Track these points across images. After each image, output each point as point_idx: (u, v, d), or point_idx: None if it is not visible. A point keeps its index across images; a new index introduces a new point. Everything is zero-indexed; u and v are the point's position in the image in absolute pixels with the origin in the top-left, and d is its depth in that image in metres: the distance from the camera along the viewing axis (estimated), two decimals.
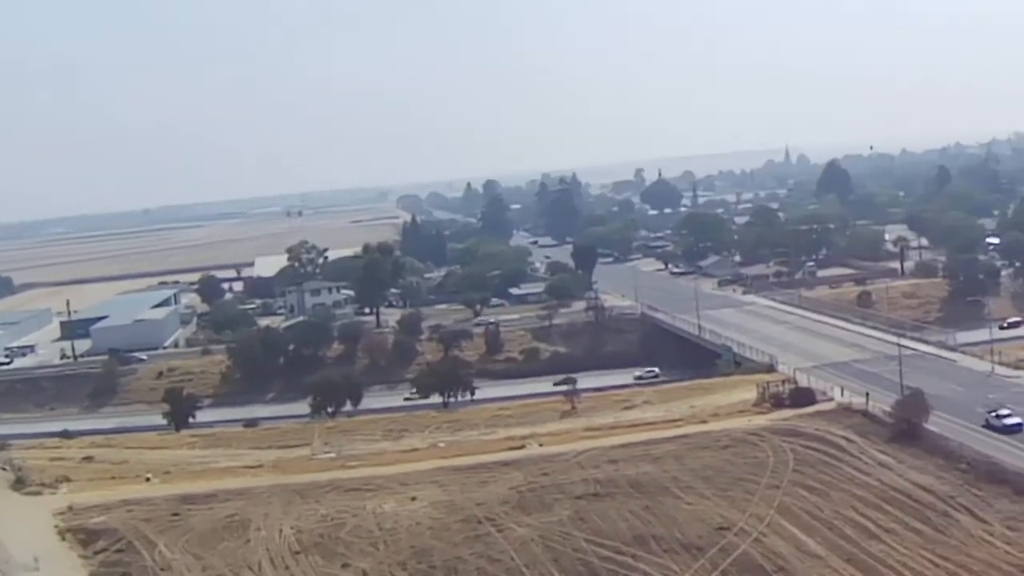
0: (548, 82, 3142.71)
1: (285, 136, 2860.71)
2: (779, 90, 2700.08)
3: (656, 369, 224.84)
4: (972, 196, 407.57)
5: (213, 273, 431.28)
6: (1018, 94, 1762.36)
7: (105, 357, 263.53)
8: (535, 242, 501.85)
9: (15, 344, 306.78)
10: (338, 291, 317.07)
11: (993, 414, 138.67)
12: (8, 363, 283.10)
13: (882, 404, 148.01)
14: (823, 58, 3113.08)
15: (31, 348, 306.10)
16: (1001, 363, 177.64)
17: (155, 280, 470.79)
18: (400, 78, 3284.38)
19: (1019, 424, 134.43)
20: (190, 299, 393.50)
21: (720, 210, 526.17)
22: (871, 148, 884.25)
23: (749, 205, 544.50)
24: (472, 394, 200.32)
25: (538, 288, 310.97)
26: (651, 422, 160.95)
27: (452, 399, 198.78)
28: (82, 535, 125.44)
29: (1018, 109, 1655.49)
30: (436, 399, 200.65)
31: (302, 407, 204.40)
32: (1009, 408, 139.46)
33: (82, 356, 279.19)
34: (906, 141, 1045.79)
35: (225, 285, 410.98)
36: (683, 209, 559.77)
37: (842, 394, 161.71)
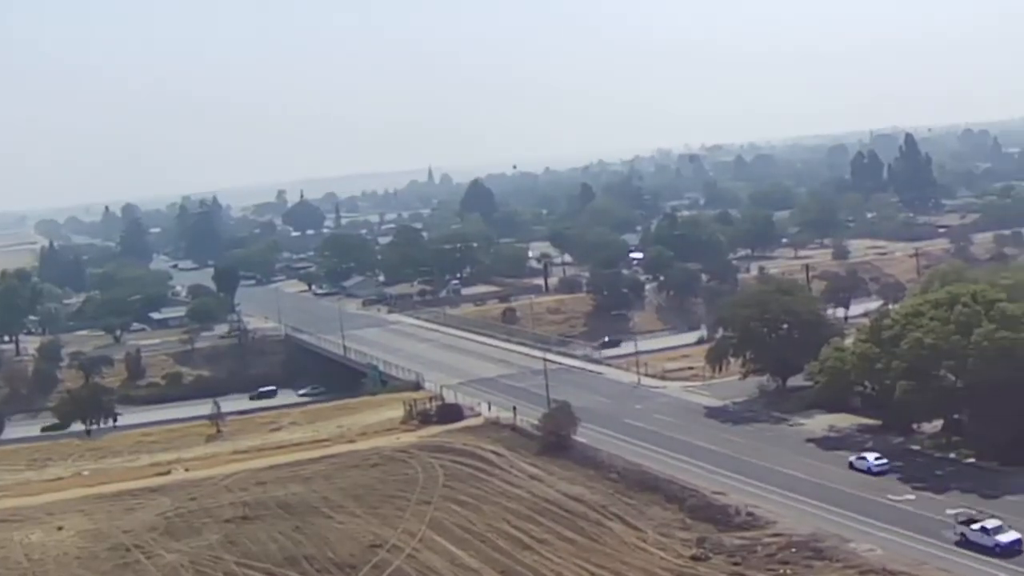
0: (182, 102, 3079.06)
1: None
2: (424, 111, 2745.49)
3: (273, 387, 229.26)
4: (615, 212, 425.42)
5: None
6: (662, 112, 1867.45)
7: None
8: (175, 265, 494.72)
9: None
10: None
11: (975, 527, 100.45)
12: None
13: (530, 418, 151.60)
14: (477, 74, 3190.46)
15: None
16: (647, 374, 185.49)
17: None
18: None
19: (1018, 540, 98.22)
20: None
21: (363, 230, 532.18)
22: (514, 167, 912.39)
23: (392, 225, 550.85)
24: (115, 421, 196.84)
25: (179, 312, 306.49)
26: (299, 443, 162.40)
27: (94, 426, 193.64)
28: None
29: (661, 127, 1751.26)
30: (78, 427, 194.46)
31: None
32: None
33: None
34: (550, 160, 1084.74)
35: None
36: (326, 230, 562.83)
37: (490, 409, 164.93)
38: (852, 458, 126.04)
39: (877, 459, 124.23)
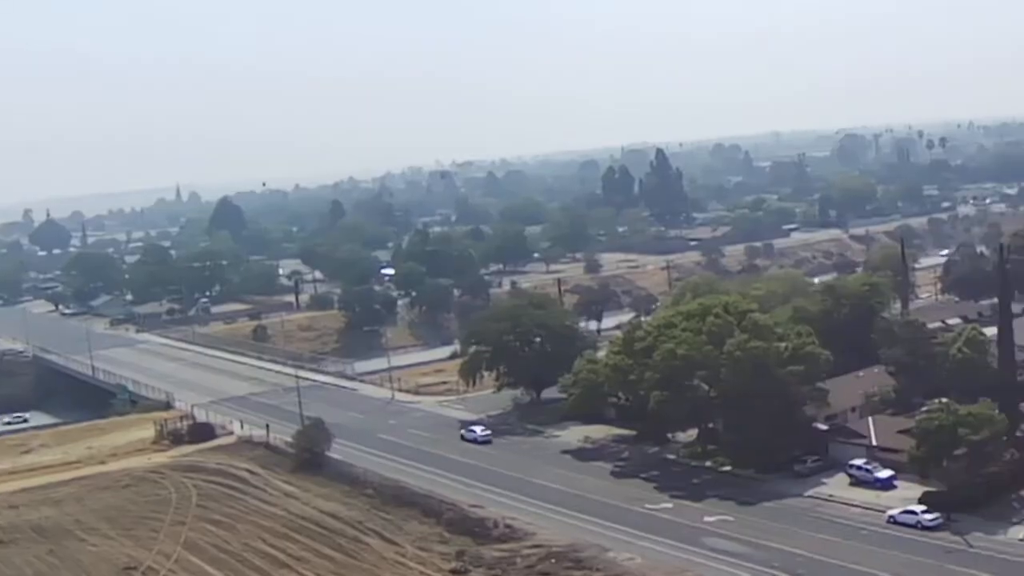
0: None
1: None
2: (171, 127, 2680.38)
3: (25, 415, 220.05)
4: (366, 229, 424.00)
5: None
6: (413, 131, 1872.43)
7: None
8: None
9: None
10: None
11: None
12: None
13: (283, 435, 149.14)
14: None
15: None
16: (401, 389, 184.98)
17: None
18: None
19: None
20: None
21: (110, 249, 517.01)
22: (264, 185, 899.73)
23: (140, 244, 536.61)
24: None
25: None
26: (49, 465, 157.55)
27: None
28: None
29: (413, 146, 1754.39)
30: None
31: None
32: None
33: None
34: (300, 178, 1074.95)
35: None
36: (72, 249, 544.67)
37: (242, 427, 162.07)
38: (463, 430, 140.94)
39: (483, 431, 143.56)
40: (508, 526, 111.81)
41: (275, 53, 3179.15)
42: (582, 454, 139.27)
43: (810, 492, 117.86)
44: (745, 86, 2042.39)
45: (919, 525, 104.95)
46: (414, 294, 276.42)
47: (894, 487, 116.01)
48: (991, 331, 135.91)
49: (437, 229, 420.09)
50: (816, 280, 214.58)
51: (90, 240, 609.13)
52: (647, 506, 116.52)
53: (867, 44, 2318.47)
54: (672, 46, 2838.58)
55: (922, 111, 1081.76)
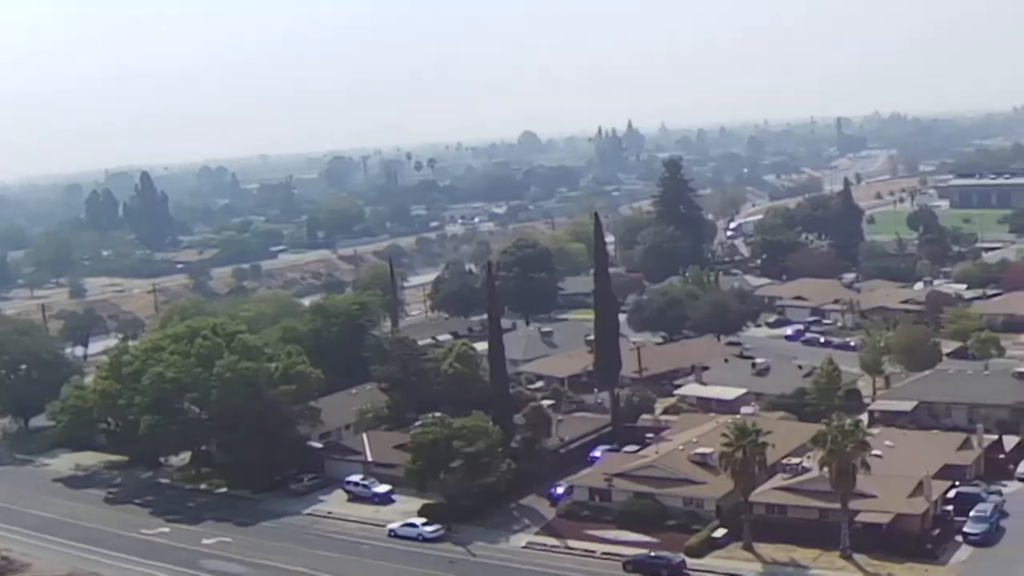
0: None
1: None
2: None
3: None
4: None
5: None
6: None
7: None
8: None
9: None
10: None
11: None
12: None
13: None
14: None
15: None
16: None
17: None
18: None
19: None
20: None
21: None
22: None
23: None
24: None
25: None
26: None
27: None
28: None
29: None
30: None
31: None
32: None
33: None
34: None
35: None
36: None
37: None
38: None
39: None
40: (4, 558, 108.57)
41: None
42: (74, 481, 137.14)
43: (309, 510, 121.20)
44: (234, 107, 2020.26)
45: (420, 537, 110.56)
46: None
47: (393, 501, 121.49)
48: (482, 346, 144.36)
49: None
50: (306, 301, 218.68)
51: None
52: (143, 531, 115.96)
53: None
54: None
55: (416, 134, 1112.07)
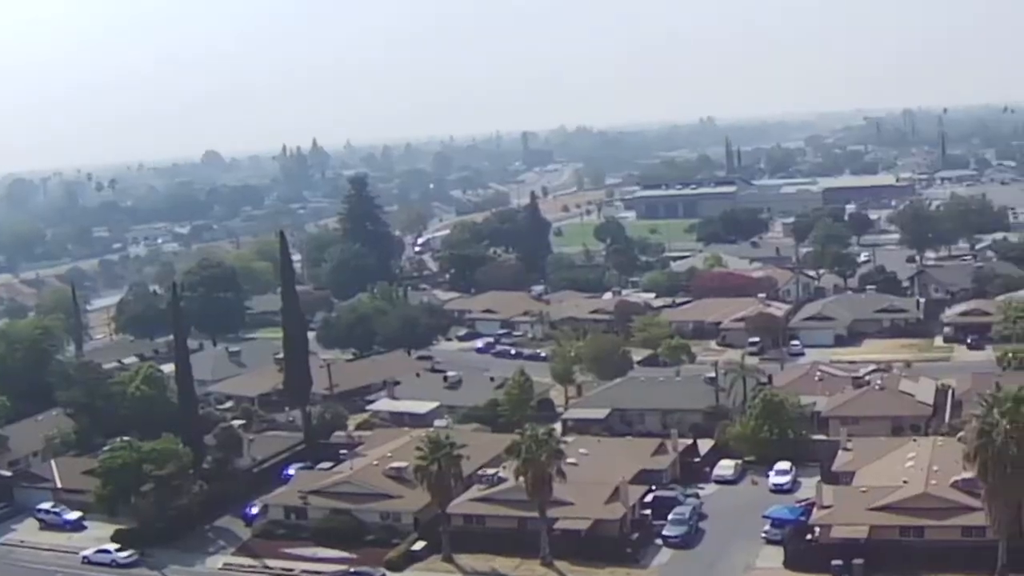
0: None
1: None
2: None
3: None
4: None
5: None
6: None
7: None
8: None
9: None
10: None
11: None
12: None
13: None
14: None
15: None
16: None
17: None
18: None
19: None
20: None
21: None
22: None
23: None
24: None
25: None
26: None
27: None
28: None
29: None
30: None
31: None
32: None
33: None
34: None
35: None
36: None
37: None
38: None
39: None
40: None
41: None
42: None
43: (0, 539, 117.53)
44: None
45: (114, 563, 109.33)
46: None
47: (84, 528, 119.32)
48: (169, 367, 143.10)
49: None
50: None
51: None
52: None
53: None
54: None
55: (99, 155, 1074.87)
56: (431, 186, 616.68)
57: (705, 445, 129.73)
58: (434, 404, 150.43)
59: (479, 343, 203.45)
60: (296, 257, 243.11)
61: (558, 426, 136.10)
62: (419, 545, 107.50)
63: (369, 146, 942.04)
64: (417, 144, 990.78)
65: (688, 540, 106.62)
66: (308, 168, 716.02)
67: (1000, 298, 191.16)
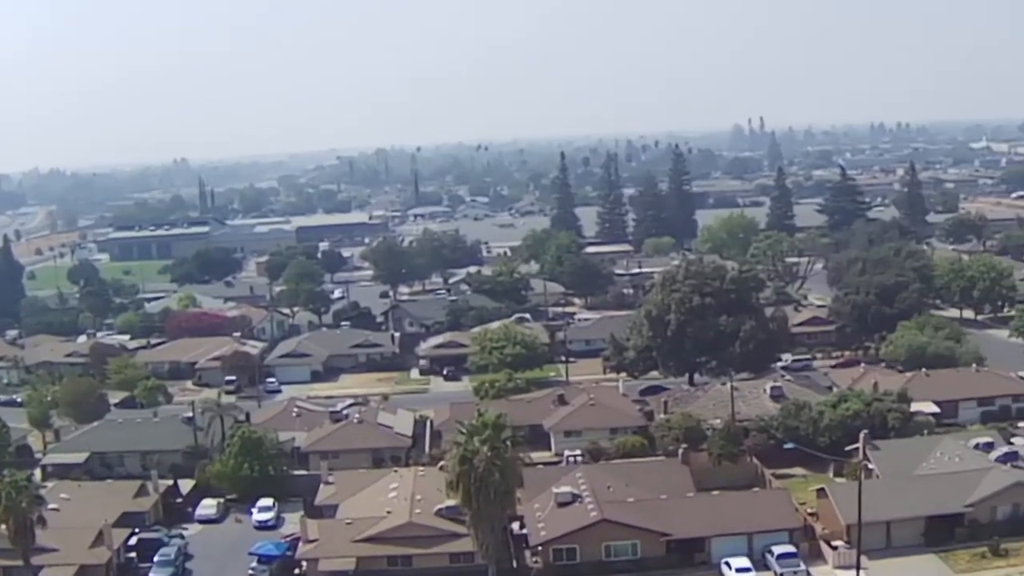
0: None
1: None
2: None
3: None
4: None
5: None
6: None
7: None
8: None
9: None
10: None
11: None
12: None
13: None
14: None
15: None
16: None
17: None
18: None
19: None
20: None
21: None
22: None
23: None
24: None
25: None
26: None
27: None
28: None
29: None
30: None
31: None
32: None
33: None
34: None
35: None
36: None
37: None
38: None
39: None
40: None
41: None
42: None
43: None
44: None
45: None
46: None
47: None
48: None
49: None
50: None
51: None
52: None
53: None
54: None
55: None
56: None
57: (187, 485, 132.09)
58: None
59: None
60: None
61: (37, 472, 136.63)
62: None
63: None
64: None
65: None
66: None
67: (475, 330, 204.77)
